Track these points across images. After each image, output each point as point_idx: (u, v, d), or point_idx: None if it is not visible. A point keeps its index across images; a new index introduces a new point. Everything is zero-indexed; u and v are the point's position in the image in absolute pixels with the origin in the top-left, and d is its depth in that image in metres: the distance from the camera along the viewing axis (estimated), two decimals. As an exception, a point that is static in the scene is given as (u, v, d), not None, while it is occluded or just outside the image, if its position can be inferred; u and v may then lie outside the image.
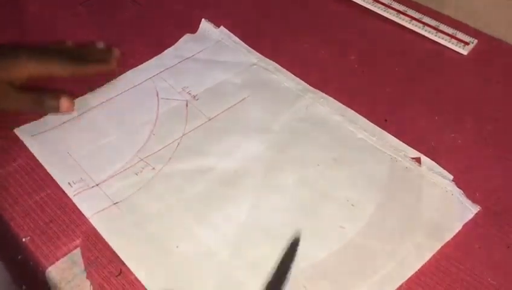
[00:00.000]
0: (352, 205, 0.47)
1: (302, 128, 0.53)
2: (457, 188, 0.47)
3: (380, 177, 0.49)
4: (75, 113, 0.54)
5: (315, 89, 0.56)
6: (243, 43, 0.62)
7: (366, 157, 0.50)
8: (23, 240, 0.45)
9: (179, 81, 0.57)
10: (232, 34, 0.63)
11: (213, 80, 0.57)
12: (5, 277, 0.56)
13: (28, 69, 0.51)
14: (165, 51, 0.61)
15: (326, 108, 0.54)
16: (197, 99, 0.56)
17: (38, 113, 0.53)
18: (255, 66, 0.59)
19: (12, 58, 0.51)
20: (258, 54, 0.60)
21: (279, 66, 0.59)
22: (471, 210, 0.46)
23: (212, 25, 0.63)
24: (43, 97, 0.52)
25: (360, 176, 0.49)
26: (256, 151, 0.51)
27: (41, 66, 0.52)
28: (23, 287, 0.51)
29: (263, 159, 0.50)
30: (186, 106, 0.55)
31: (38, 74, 0.52)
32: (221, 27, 0.63)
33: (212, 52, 0.61)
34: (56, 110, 0.52)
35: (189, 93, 0.56)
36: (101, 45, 0.58)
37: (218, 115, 0.54)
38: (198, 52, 0.61)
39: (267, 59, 0.60)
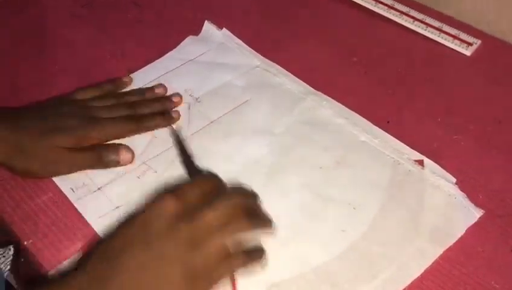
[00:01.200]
0: (354, 208, 0.46)
1: (305, 131, 0.53)
2: (461, 192, 0.47)
3: (382, 180, 0.48)
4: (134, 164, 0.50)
5: (317, 91, 0.56)
6: (245, 45, 0.61)
7: (369, 160, 0.50)
8: (25, 243, 0.45)
9: (181, 84, 0.57)
10: (234, 36, 0.62)
11: (215, 82, 0.57)
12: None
13: (96, 139, 0.49)
14: (168, 54, 0.61)
15: (329, 110, 0.54)
16: (200, 101, 0.55)
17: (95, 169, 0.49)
18: (257, 68, 0.59)
19: (86, 130, 0.48)
20: (260, 56, 0.60)
21: (282, 68, 0.59)
22: (474, 214, 0.46)
23: (215, 27, 0.63)
24: (101, 153, 0.48)
25: (362, 179, 0.49)
26: (258, 153, 0.51)
27: (107, 135, 0.49)
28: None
29: (265, 162, 0.50)
30: (189, 108, 0.55)
31: (103, 141, 0.49)
32: (224, 29, 0.63)
33: (214, 55, 0.61)
34: (116, 164, 0.49)
35: (192, 96, 0.56)
36: (160, 89, 0.55)
37: (220, 117, 0.54)
38: (200, 55, 0.61)
39: (270, 61, 0.59)
